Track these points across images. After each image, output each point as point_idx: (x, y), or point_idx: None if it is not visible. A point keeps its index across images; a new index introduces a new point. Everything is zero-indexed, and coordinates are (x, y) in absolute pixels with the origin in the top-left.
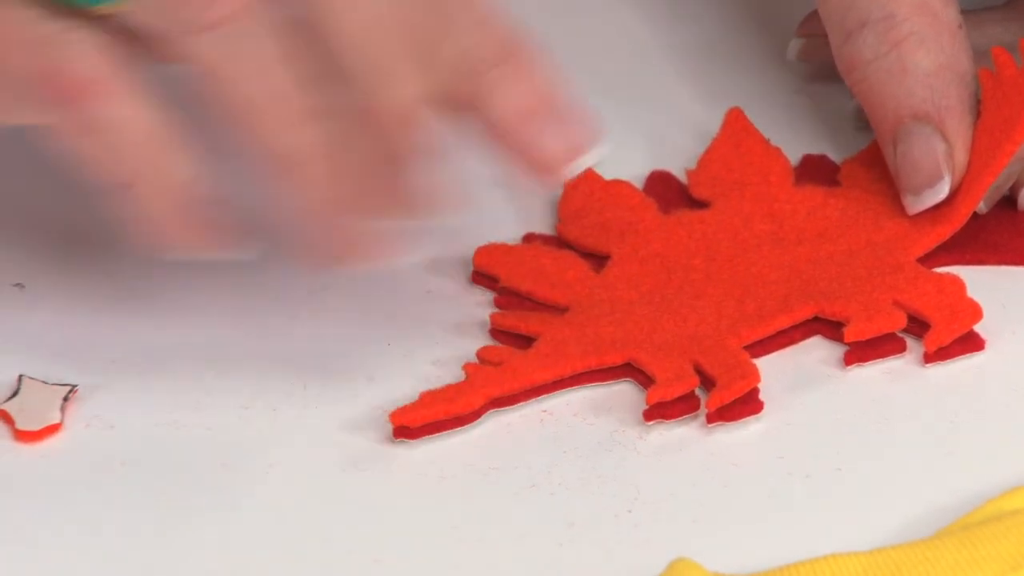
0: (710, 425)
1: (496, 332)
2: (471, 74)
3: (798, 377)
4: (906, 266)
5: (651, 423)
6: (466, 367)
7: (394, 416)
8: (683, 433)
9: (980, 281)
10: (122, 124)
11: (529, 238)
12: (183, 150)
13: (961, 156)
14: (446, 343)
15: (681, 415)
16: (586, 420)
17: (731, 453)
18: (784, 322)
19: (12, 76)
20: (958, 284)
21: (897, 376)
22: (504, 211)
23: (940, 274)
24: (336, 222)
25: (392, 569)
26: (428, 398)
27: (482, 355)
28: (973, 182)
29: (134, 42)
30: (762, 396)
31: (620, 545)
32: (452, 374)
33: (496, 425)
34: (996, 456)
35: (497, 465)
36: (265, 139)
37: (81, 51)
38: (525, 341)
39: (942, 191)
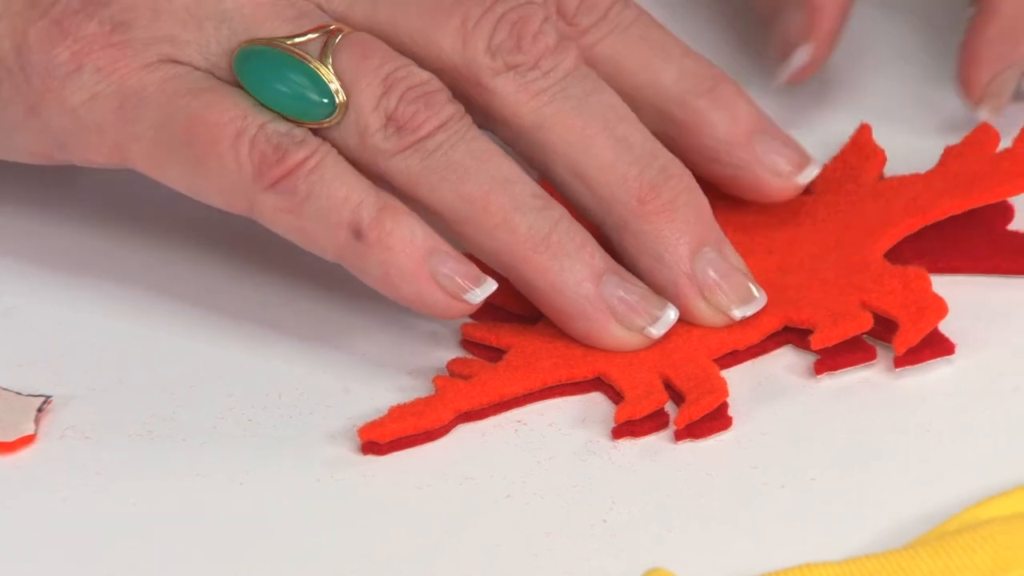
0: (678, 442)
1: (468, 344)
2: (685, 103)
3: (771, 387)
4: (872, 263)
5: None
6: (436, 380)
7: (363, 431)
8: (657, 443)
9: (954, 290)
10: (334, 197)
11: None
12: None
13: (826, 22)
14: (421, 354)
15: (650, 432)
16: (561, 430)
17: (705, 463)
18: (753, 336)
19: (231, 160)
20: (923, 278)
21: (869, 385)
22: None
23: (905, 269)
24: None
25: None
26: (397, 413)
27: (452, 368)
28: (955, 188)
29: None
30: (735, 406)
31: (596, 555)
32: (426, 385)
33: (471, 435)
34: (970, 465)
35: (472, 475)
36: (489, 236)
37: (299, 136)
38: (497, 353)
39: (801, 56)
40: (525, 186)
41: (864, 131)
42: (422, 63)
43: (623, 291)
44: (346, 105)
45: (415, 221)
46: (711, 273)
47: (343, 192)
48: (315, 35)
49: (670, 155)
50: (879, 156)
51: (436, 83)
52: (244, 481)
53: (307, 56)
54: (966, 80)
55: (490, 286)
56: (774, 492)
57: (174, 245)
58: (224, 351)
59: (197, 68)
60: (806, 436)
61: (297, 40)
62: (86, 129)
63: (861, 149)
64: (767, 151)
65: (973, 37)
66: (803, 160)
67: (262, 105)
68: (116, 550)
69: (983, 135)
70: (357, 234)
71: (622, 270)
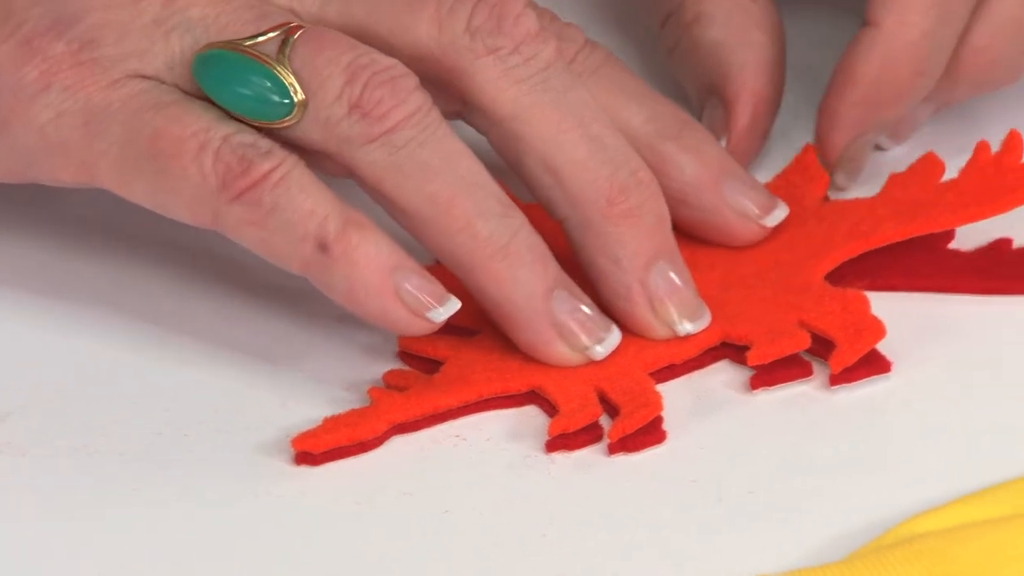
0: (611, 455)
1: (405, 355)
2: (654, 146)
3: (708, 401)
4: (813, 285)
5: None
6: (371, 391)
7: (296, 442)
8: (596, 457)
9: (893, 305)
10: (300, 209)
11: (435, 269)
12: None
13: (740, 117)
14: (358, 367)
15: (584, 445)
16: (498, 444)
17: (643, 477)
18: (690, 350)
19: (194, 172)
20: (862, 301)
21: (806, 400)
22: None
23: (845, 291)
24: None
25: None
26: (331, 424)
27: (388, 379)
28: (898, 215)
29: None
30: (673, 420)
31: (535, 570)
32: (363, 398)
33: (410, 450)
34: (907, 478)
35: (411, 490)
36: (448, 238)
37: (264, 147)
38: (434, 365)
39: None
40: (489, 190)
41: (809, 152)
42: (401, 56)
43: (572, 308)
44: (305, 103)
45: (380, 235)
46: (664, 285)
47: (309, 205)
48: (274, 34)
49: (640, 160)
50: (823, 179)
51: (401, 68)
52: (181, 496)
53: (263, 56)
54: (823, 142)
55: (453, 305)
56: (712, 506)
57: (110, 261)
58: (160, 366)
59: (164, 81)
60: (744, 450)
61: (255, 41)
62: (53, 147)
63: (806, 170)
64: (734, 194)
65: (834, 99)
66: (770, 203)
67: (227, 117)
68: (54, 565)
69: (928, 164)
70: (322, 247)
71: (573, 285)
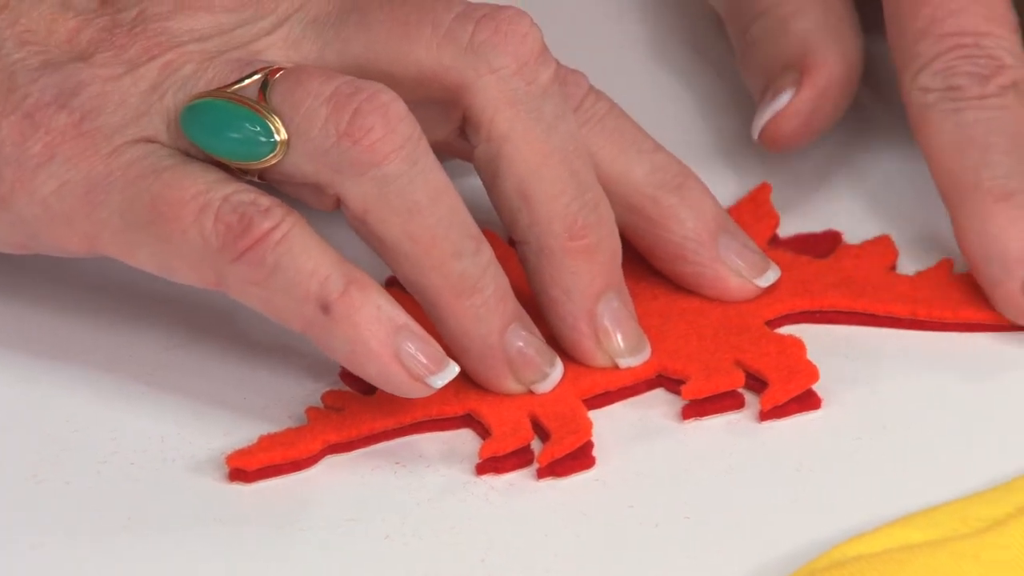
0: (540, 479)
1: (345, 377)
2: (657, 198)
3: (644, 429)
4: (752, 327)
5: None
6: (308, 411)
7: (231, 459)
8: (534, 483)
9: (825, 332)
10: (302, 267)
11: (390, 282)
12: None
13: (806, 98)
14: (302, 390)
15: (514, 469)
16: (439, 471)
17: (581, 502)
18: (626, 379)
19: (196, 235)
20: (799, 346)
21: (740, 427)
22: (366, 256)
23: (783, 336)
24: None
25: None
26: (266, 442)
27: (326, 400)
28: (840, 285)
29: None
30: (610, 447)
31: None
32: (304, 419)
33: (352, 476)
34: (839, 503)
35: (352, 516)
36: (421, 275)
37: (264, 205)
38: (372, 387)
39: (783, 100)
40: (466, 228)
41: (763, 190)
42: (404, 83)
43: (523, 343)
44: (287, 141)
45: (382, 296)
46: (610, 318)
47: (311, 265)
48: (256, 77)
49: (605, 197)
50: (773, 219)
51: (389, 92)
52: (127, 524)
53: (245, 99)
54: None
55: (451, 371)
56: (649, 530)
57: (56, 295)
58: (108, 396)
59: (163, 142)
60: (679, 477)
61: (240, 86)
62: (56, 218)
63: (758, 207)
64: (729, 251)
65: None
66: (763, 265)
67: (226, 178)
68: None
69: (882, 247)
70: (324, 308)
71: (526, 317)
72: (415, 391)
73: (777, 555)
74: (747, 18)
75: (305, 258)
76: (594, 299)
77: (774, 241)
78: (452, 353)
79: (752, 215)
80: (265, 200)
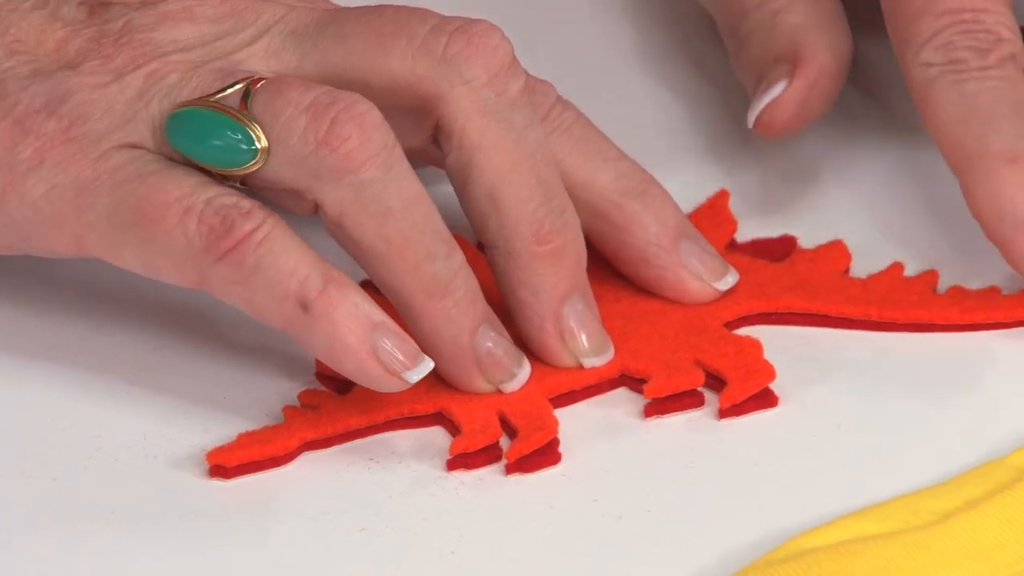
0: (508, 475)
1: (321, 376)
2: (622, 204)
3: (608, 426)
4: (711, 328)
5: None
6: (285, 409)
7: (211, 455)
8: (502, 478)
9: (782, 331)
10: (283, 266)
11: (365, 285)
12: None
13: (799, 88)
14: (279, 389)
15: (483, 465)
16: (411, 466)
17: (548, 496)
18: (590, 378)
19: (179, 236)
20: (756, 347)
21: (699, 425)
22: (343, 260)
23: (741, 337)
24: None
25: None
26: (245, 439)
27: (302, 398)
28: (795, 287)
29: (271, 197)
30: (575, 443)
31: None
32: (281, 418)
33: (327, 472)
34: (796, 497)
35: (328, 510)
36: (395, 277)
37: (246, 207)
38: (347, 386)
39: (778, 89)
40: (439, 233)
41: (722, 197)
42: (379, 92)
43: (492, 344)
44: (267, 149)
45: (359, 295)
46: (575, 319)
47: (290, 264)
48: (238, 86)
49: (571, 203)
50: (731, 224)
51: (365, 102)
52: (111, 519)
53: (227, 107)
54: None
55: (426, 366)
56: (612, 523)
57: (43, 297)
58: (92, 394)
59: (148, 148)
60: (641, 472)
61: (222, 95)
62: (46, 220)
63: (717, 214)
64: (690, 256)
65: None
66: (722, 270)
67: (209, 181)
68: None
69: (836, 251)
70: (303, 306)
71: (495, 318)
72: (391, 386)
73: (736, 546)
74: (738, 15)
75: (285, 258)
76: (560, 301)
77: (732, 246)
78: (424, 353)
79: (711, 221)
80: (247, 203)
